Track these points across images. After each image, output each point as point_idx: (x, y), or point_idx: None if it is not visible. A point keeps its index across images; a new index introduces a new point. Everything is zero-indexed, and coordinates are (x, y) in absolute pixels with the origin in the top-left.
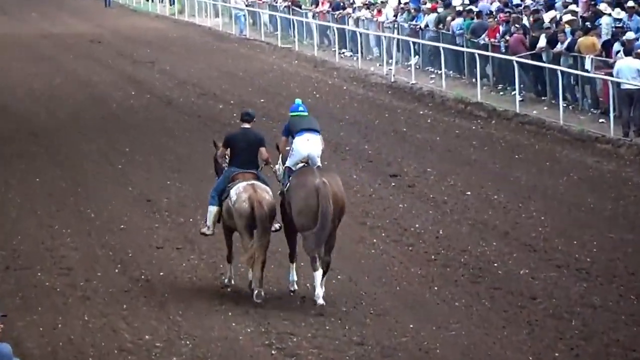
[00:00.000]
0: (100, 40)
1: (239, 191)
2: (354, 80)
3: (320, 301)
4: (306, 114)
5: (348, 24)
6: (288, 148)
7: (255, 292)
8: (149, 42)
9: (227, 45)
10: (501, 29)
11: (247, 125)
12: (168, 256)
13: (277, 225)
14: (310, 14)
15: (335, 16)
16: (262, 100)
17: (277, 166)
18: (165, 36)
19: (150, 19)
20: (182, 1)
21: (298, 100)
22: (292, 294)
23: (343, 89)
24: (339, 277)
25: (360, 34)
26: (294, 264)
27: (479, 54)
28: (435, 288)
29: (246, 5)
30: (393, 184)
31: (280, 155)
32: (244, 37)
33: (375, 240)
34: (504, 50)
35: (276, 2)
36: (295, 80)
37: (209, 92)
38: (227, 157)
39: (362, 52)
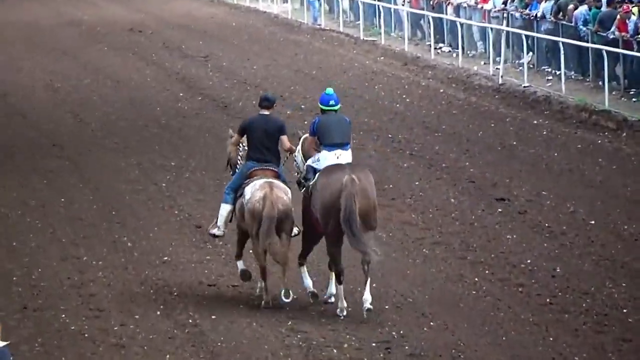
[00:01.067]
0: (141, 29)
1: (254, 189)
2: (453, 82)
3: (344, 313)
4: (337, 107)
5: (446, 13)
6: (315, 150)
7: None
8: (202, 32)
9: (298, 37)
10: (630, 22)
11: (265, 112)
12: (222, 296)
13: (295, 230)
14: (400, 0)
15: (431, 3)
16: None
17: (296, 153)
18: (222, 25)
19: (203, 4)
20: None
21: (329, 90)
22: (311, 300)
23: (439, 93)
24: (432, 323)
25: (462, 25)
26: (304, 268)
27: (607, 51)
28: (551, 339)
29: None
30: (500, 209)
31: (301, 145)
32: (319, 27)
33: (477, 279)
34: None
35: None
36: (380, 81)
37: (274, 95)
38: (241, 146)
39: (463, 48)
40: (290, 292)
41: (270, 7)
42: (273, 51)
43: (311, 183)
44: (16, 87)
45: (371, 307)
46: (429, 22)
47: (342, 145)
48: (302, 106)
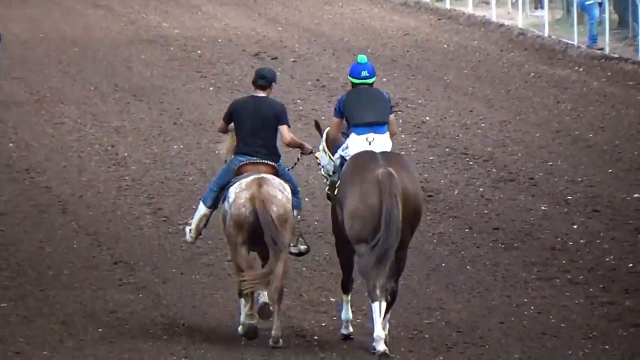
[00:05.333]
0: (275, 54)
1: (240, 189)
2: None
3: (382, 347)
4: (372, 80)
5: None
6: (342, 133)
7: (273, 335)
8: (388, 60)
9: (561, 72)
10: None
11: (261, 93)
12: None
13: (302, 247)
14: None
15: None
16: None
17: (320, 153)
18: (423, 47)
19: (390, 9)
20: None
21: (362, 57)
22: (344, 339)
23: None
24: None
25: None
26: (349, 297)
27: None
28: None
29: None
30: None
31: (325, 139)
32: (600, 52)
33: None
34: None
35: None
36: None
37: (520, 178)
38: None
39: None
40: (281, 340)
41: (512, 16)
42: (517, 96)
43: (336, 177)
44: (54, 158)
45: (386, 348)
46: None
47: (376, 126)
48: (569, 197)
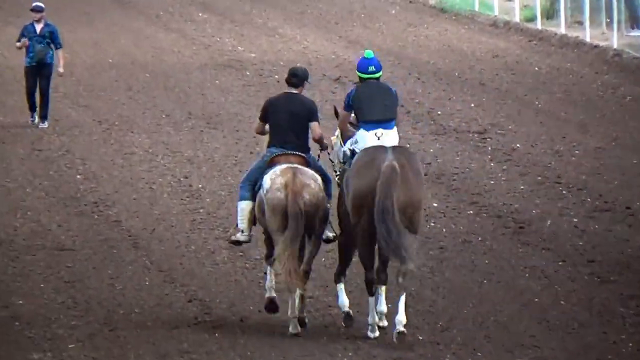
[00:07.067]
0: (357, 79)
1: (275, 175)
2: None
3: (376, 333)
4: (379, 74)
5: None
6: (350, 129)
7: (291, 324)
8: (476, 84)
9: None
10: None
11: (293, 90)
12: None
13: (330, 234)
14: None
15: None
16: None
17: (333, 138)
18: (513, 69)
19: (478, 30)
20: None
21: (368, 52)
22: (343, 323)
23: None
24: None
25: None
26: (342, 285)
27: None
28: None
29: None
30: None
31: (339, 133)
32: None
33: None
34: None
35: None
36: None
37: (616, 207)
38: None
39: None
40: (306, 319)
41: (607, 37)
42: (612, 121)
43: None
44: (124, 190)
45: (404, 330)
46: None
47: (384, 123)
48: None
